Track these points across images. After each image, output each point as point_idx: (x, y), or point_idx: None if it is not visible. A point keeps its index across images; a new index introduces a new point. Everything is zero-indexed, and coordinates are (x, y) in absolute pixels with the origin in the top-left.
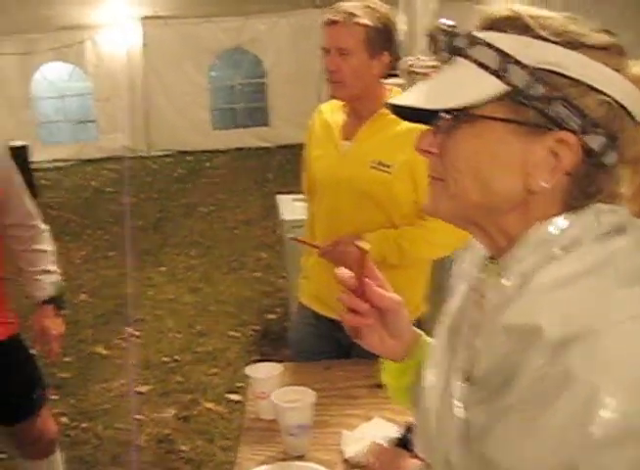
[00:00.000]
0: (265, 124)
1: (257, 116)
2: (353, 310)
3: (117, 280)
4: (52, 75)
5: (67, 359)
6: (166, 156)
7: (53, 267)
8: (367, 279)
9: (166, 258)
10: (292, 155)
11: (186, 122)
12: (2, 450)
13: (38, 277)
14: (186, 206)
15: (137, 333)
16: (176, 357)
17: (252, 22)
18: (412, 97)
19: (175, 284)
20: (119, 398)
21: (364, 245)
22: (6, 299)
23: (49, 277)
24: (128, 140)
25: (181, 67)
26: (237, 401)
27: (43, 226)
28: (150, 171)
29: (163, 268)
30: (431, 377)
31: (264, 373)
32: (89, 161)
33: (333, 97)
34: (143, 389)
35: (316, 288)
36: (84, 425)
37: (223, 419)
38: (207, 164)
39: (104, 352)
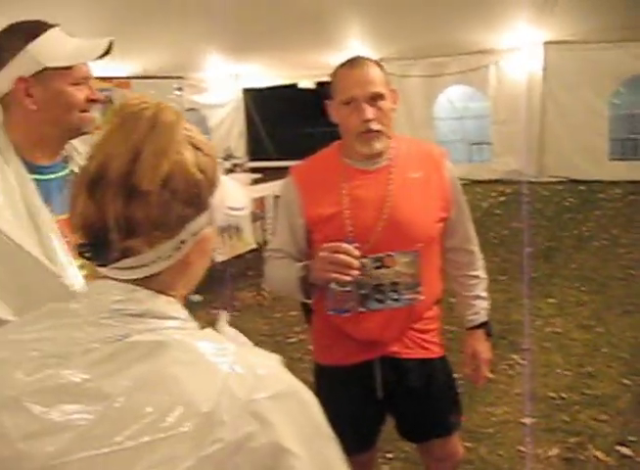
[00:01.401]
0: None
1: None
2: None
3: (505, 305)
4: (453, 97)
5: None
6: (557, 183)
7: (485, 294)
8: None
9: (555, 289)
10: None
11: (581, 150)
12: (390, 450)
13: (472, 302)
14: (577, 237)
15: (523, 362)
16: (563, 395)
17: None
18: None
19: (564, 318)
20: (503, 424)
21: None
22: (439, 320)
23: (482, 303)
24: (520, 164)
25: (580, 93)
26: (627, 456)
27: (479, 253)
28: (540, 197)
29: (552, 300)
30: None
31: None
32: (480, 181)
33: None
34: (527, 420)
35: None
36: (468, 445)
37: None
38: (601, 196)
39: (490, 375)
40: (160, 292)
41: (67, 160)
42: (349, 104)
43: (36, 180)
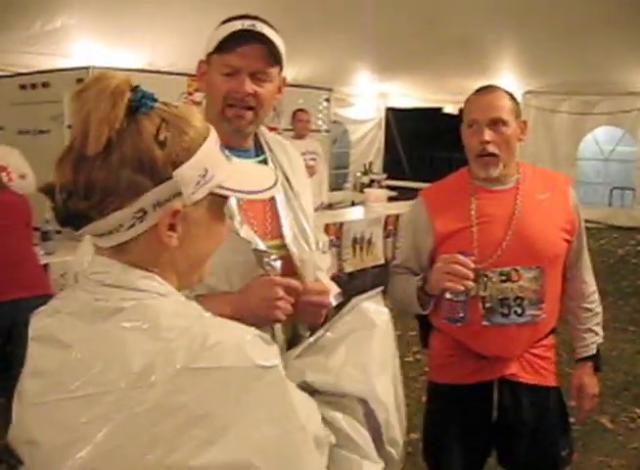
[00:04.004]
0: None
1: None
2: None
3: (633, 357)
4: (601, 138)
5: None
6: None
7: (598, 328)
8: None
9: None
10: None
11: None
12: None
13: (584, 335)
14: None
15: None
16: None
17: None
18: None
19: None
20: None
21: None
22: (555, 350)
23: (593, 337)
24: None
25: None
26: None
27: (594, 285)
28: None
29: None
30: None
31: None
32: (619, 227)
33: None
34: None
35: None
36: None
37: None
38: None
39: (608, 425)
40: (136, 266)
41: (262, 149)
42: (472, 126)
43: None
